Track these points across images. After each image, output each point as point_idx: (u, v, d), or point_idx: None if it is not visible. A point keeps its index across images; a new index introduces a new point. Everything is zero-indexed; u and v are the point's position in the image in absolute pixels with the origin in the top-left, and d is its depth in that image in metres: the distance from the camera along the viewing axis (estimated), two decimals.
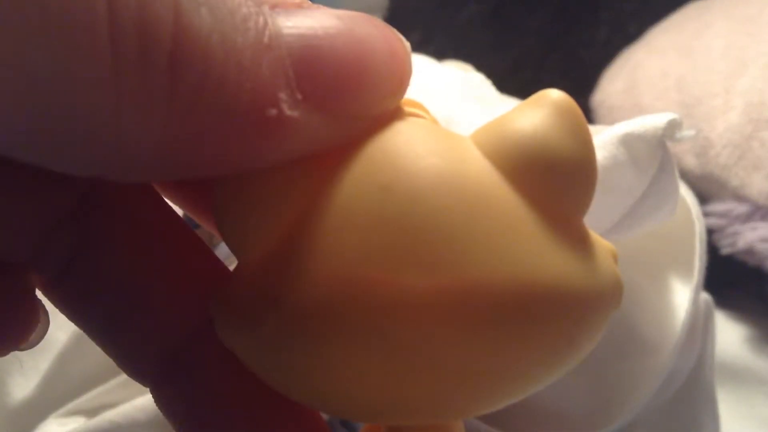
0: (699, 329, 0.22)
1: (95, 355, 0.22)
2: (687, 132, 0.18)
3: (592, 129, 0.21)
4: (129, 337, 0.12)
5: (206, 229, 0.15)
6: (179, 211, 0.13)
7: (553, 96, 0.10)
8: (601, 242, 0.10)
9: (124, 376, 0.22)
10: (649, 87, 0.40)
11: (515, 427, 0.21)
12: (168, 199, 0.13)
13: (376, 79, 0.10)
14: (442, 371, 0.09)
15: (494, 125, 0.10)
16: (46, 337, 0.23)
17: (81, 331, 0.22)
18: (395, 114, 0.10)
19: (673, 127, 0.18)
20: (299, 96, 0.09)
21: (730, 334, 0.33)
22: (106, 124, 0.08)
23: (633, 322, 0.21)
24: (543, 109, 0.10)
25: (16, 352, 0.23)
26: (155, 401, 0.12)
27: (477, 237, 0.09)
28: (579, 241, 0.10)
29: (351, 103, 0.10)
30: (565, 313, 0.09)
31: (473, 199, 0.09)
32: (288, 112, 0.09)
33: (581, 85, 0.44)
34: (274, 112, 0.09)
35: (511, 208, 0.09)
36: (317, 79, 0.09)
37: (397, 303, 0.09)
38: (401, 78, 0.10)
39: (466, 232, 0.09)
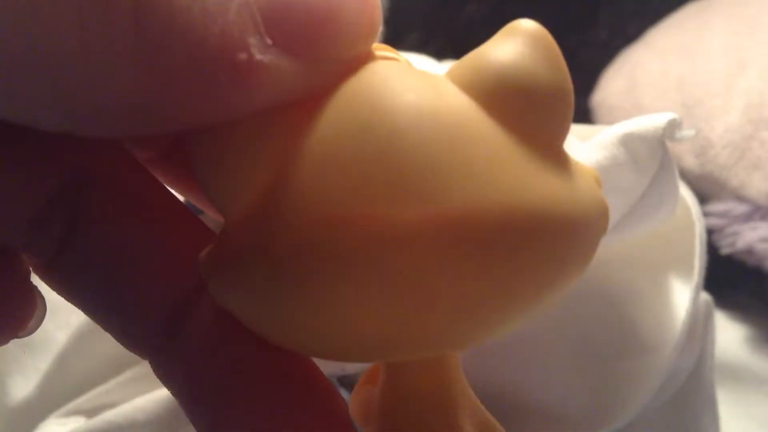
0: (699, 329, 0.22)
1: (95, 355, 0.22)
2: (687, 132, 0.18)
3: (592, 129, 0.21)
4: (126, 310, 0.12)
5: (211, 216, 0.15)
6: (181, 198, 0.13)
7: (525, 25, 0.10)
8: (584, 167, 0.11)
9: (124, 376, 0.22)
10: (649, 87, 0.40)
11: (515, 427, 0.21)
12: (171, 187, 0.13)
13: (347, 23, 0.10)
14: (437, 302, 0.09)
15: (468, 59, 0.10)
16: (46, 337, 0.23)
17: (81, 331, 0.22)
18: (368, 58, 0.10)
19: (672, 126, 0.18)
20: (269, 41, 0.09)
21: (730, 334, 0.33)
22: (73, 72, 0.09)
23: (633, 322, 0.21)
24: (516, 39, 0.10)
25: (17, 353, 0.23)
26: (154, 372, 0.12)
27: (461, 166, 0.09)
28: (561, 166, 0.10)
29: (322, 48, 0.10)
30: (553, 236, 0.09)
31: (454, 131, 0.09)
32: (258, 56, 0.09)
33: (581, 85, 0.44)
34: (244, 56, 0.09)
35: (492, 137, 0.09)
36: (286, 24, 0.09)
37: (386, 236, 0.09)
38: (372, 22, 0.10)
39: (450, 163, 0.09)
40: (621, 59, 0.44)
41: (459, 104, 0.09)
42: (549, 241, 0.09)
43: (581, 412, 0.21)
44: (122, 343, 0.12)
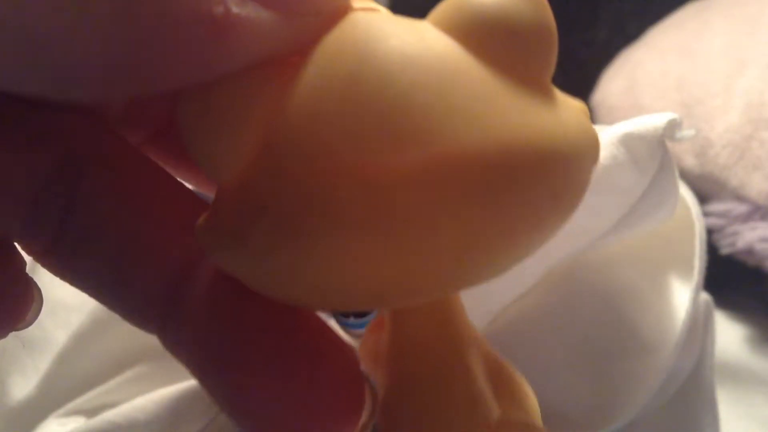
0: (699, 329, 0.22)
1: (95, 355, 0.22)
2: (687, 132, 0.18)
3: None
4: (129, 285, 0.12)
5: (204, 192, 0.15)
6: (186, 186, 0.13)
7: None
8: (570, 101, 0.11)
9: (124, 376, 0.22)
10: (648, 87, 0.40)
11: None
12: (174, 173, 0.13)
13: None
14: (438, 245, 0.09)
15: (448, 3, 0.10)
16: (45, 336, 0.23)
17: (81, 331, 0.22)
18: (348, 10, 0.10)
19: (672, 126, 0.18)
20: None
21: (730, 334, 0.33)
22: (48, 32, 0.08)
23: (633, 322, 0.21)
24: None
25: (17, 353, 0.23)
26: (163, 345, 0.12)
27: (451, 108, 0.09)
28: (549, 101, 0.10)
29: (300, 1, 0.10)
30: (546, 169, 0.09)
31: (441, 73, 0.09)
32: (235, 10, 0.09)
33: (581, 85, 0.44)
34: (220, 10, 0.09)
35: (478, 77, 0.09)
36: None
37: (385, 184, 0.09)
38: None
39: (440, 105, 0.09)
40: (621, 59, 0.44)
41: (443, 46, 0.09)
42: (543, 175, 0.09)
43: (581, 412, 0.21)
44: (128, 320, 0.12)
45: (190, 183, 0.14)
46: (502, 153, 0.09)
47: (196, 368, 0.12)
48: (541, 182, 0.09)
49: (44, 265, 0.12)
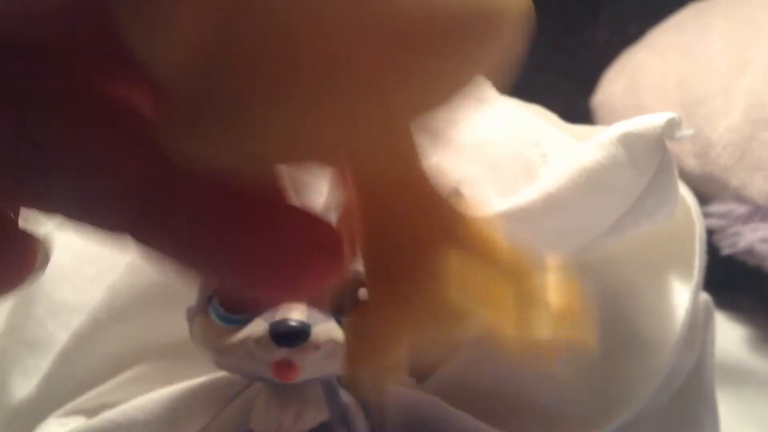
0: (699, 329, 0.22)
1: (95, 355, 0.22)
2: (686, 131, 0.18)
3: (592, 129, 0.21)
4: (100, 202, 0.12)
5: None
6: None
7: None
8: None
9: (124, 376, 0.22)
10: (649, 87, 0.40)
11: (516, 426, 0.21)
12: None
13: None
14: (387, 102, 0.10)
15: None
16: (47, 337, 0.23)
17: (81, 331, 0.22)
18: None
19: (672, 126, 0.18)
20: None
21: (730, 334, 0.33)
22: None
23: (633, 322, 0.21)
24: None
25: (18, 352, 0.23)
26: (136, 243, 0.12)
27: None
28: None
29: None
30: (475, 25, 0.10)
31: None
32: None
33: (582, 86, 0.44)
34: None
35: None
36: None
37: (336, 59, 0.10)
38: None
39: None
40: (622, 60, 0.44)
41: None
42: (473, 30, 0.10)
43: (581, 412, 0.21)
44: (104, 233, 0.12)
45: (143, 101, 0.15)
46: (439, 17, 0.10)
47: (179, 255, 0.12)
48: (472, 37, 0.10)
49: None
